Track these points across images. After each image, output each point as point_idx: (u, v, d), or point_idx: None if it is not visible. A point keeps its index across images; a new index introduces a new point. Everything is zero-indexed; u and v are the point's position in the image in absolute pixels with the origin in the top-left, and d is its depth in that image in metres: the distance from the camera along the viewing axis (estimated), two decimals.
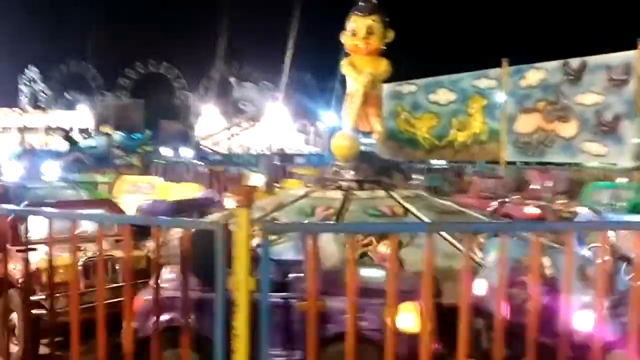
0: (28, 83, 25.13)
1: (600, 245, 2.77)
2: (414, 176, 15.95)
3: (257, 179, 14.75)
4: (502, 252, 2.67)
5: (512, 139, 11.78)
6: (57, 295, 3.95)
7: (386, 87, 12.26)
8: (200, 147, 25.36)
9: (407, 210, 6.03)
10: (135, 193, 10.84)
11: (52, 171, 14.22)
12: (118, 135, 25.38)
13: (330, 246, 4.21)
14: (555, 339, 2.61)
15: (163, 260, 3.66)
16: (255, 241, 2.91)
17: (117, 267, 4.68)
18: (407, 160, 15.14)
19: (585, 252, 4.27)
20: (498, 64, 11.88)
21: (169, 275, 3.88)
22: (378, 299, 2.93)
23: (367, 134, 7.90)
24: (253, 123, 27.58)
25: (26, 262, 3.62)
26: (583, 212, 7.74)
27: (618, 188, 9.42)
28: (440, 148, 12.80)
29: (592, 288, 2.87)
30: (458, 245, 4.63)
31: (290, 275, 3.61)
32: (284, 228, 3.84)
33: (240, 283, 2.84)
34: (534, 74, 11.41)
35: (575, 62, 10.87)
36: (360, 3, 7.00)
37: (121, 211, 6.74)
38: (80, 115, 32.35)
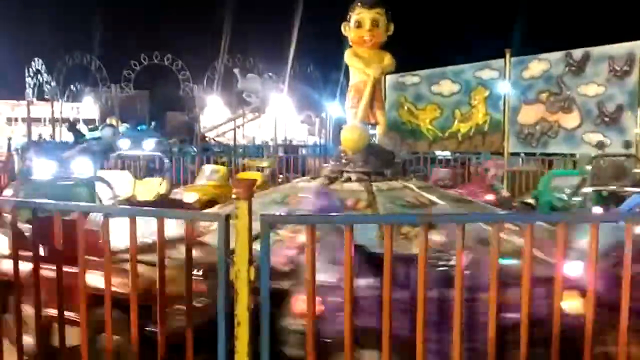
0: (33, 75, 25.25)
1: None
2: (417, 167, 16.00)
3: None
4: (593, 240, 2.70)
5: (515, 129, 11.84)
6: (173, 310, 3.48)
7: (389, 79, 12.32)
8: (206, 138, 25.44)
9: (430, 200, 6.08)
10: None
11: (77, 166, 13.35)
12: (123, 127, 25.49)
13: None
14: None
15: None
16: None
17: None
18: (411, 152, 15.20)
19: None
20: (501, 55, 11.91)
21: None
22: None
23: (372, 126, 7.97)
24: (258, 114, 27.58)
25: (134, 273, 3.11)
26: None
27: (578, 176, 9.34)
28: (443, 139, 12.87)
29: None
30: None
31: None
32: (284, 220, 3.92)
33: (241, 272, 2.94)
34: (537, 65, 11.45)
35: (578, 53, 10.90)
36: None
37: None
38: (86, 107, 32.47)
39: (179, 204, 8.71)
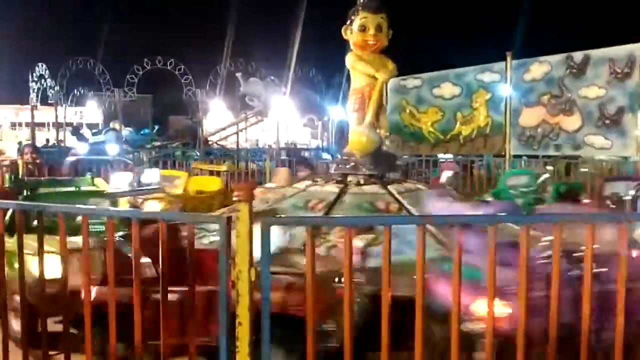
0: (37, 80, 25.41)
1: None
2: (419, 170, 16.05)
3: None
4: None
5: (517, 132, 11.85)
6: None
7: (391, 82, 12.33)
8: (209, 142, 25.52)
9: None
10: None
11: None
12: (127, 131, 25.62)
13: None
14: None
15: None
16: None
17: None
18: (415, 154, 15.24)
19: None
20: (502, 58, 11.94)
21: None
22: None
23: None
24: (260, 118, 27.67)
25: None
26: None
27: (532, 175, 9.94)
28: (445, 142, 12.89)
29: None
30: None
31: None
32: (283, 221, 3.98)
33: (242, 274, 2.99)
34: (538, 68, 11.46)
35: (578, 55, 10.91)
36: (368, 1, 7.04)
37: None
38: (89, 112, 32.63)
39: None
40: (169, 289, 3.15)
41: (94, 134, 27.07)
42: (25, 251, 3.54)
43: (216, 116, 30.03)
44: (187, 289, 3.13)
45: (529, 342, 2.88)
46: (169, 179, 10.52)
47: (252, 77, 25.40)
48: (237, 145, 24.28)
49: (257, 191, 10.23)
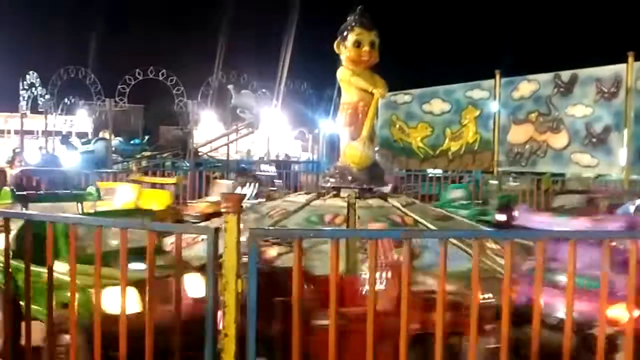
0: (28, 88, 25.34)
1: None
2: (409, 184, 16.12)
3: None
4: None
5: (505, 149, 12.00)
6: None
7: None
8: (199, 153, 25.49)
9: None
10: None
11: None
12: (117, 141, 25.52)
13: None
14: None
15: None
16: None
17: None
18: (403, 169, 15.34)
19: None
20: (491, 76, 12.12)
21: None
22: None
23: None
24: (252, 130, 27.71)
25: None
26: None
27: (466, 188, 12.08)
28: (434, 157, 13.02)
29: None
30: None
31: None
32: (272, 233, 4.00)
33: (229, 285, 3.00)
34: (526, 86, 11.66)
35: (566, 74, 11.11)
36: (358, 16, 7.14)
37: None
38: (79, 121, 32.48)
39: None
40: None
41: (83, 143, 26.93)
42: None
43: (207, 127, 30.03)
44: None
45: None
46: (110, 192, 9.82)
47: (243, 89, 25.50)
48: (227, 157, 24.27)
49: (202, 205, 9.97)
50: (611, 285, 3.02)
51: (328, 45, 7.54)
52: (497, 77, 12.01)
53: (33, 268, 3.43)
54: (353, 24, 6.96)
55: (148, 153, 25.30)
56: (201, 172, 15.48)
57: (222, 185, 11.42)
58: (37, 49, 31.84)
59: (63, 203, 8.48)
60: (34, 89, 24.99)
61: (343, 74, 6.99)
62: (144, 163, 20.12)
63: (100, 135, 26.04)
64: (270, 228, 4.77)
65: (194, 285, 4.16)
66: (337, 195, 6.68)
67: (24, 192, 8.76)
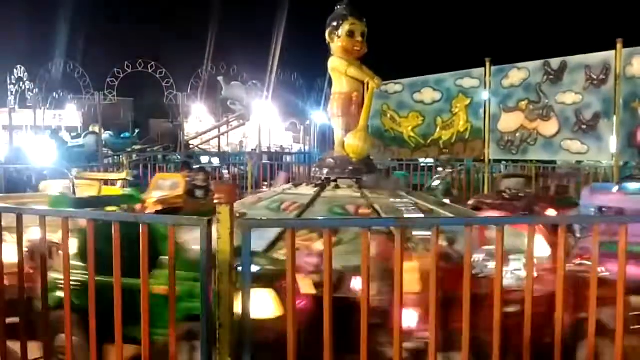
0: (16, 82, 25.11)
1: None
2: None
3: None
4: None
5: (496, 137, 12.04)
6: None
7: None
8: (190, 146, 25.42)
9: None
10: None
11: None
12: (107, 135, 25.38)
13: None
14: None
15: None
16: None
17: None
18: (396, 159, 15.37)
19: None
20: (481, 64, 12.13)
21: None
22: None
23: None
24: (242, 122, 27.66)
25: None
26: None
27: (406, 175, 13.24)
28: (425, 146, 13.04)
29: None
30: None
31: None
32: (264, 224, 4.00)
33: (224, 276, 3.01)
34: (516, 74, 11.68)
35: (555, 62, 11.14)
36: (349, 5, 7.14)
37: None
38: (69, 115, 32.24)
39: None
40: None
41: (73, 138, 26.76)
42: None
43: (197, 120, 29.92)
44: None
45: None
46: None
47: (233, 81, 25.41)
48: (219, 149, 24.22)
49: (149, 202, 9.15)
50: None
51: (318, 36, 7.52)
52: (487, 65, 12.02)
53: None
54: (346, 13, 6.95)
55: (138, 147, 25.21)
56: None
57: (165, 182, 10.11)
58: (25, 44, 31.50)
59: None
60: (22, 83, 24.75)
61: (338, 64, 6.95)
62: (134, 157, 20.04)
63: (90, 129, 25.89)
64: (263, 218, 4.78)
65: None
66: (338, 187, 6.69)
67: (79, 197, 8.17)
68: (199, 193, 9.61)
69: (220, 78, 24.74)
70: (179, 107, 24.12)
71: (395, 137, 13.23)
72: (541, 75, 11.29)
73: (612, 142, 10.44)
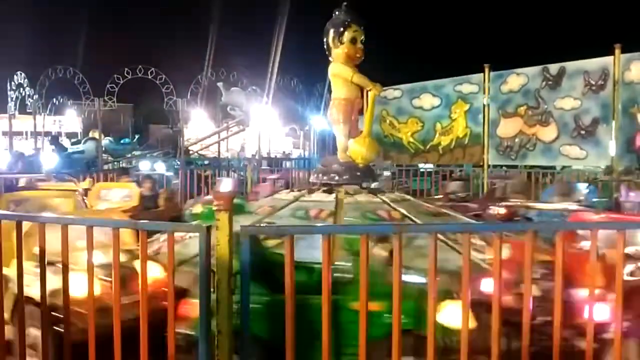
0: (16, 88, 25.14)
1: None
2: (400, 180, 16.18)
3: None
4: None
5: (495, 142, 12.05)
6: None
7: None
8: (190, 151, 25.43)
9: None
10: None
11: None
12: (107, 141, 25.41)
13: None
14: None
15: None
16: None
17: None
18: (395, 164, 15.38)
19: None
20: (480, 70, 12.15)
21: None
22: None
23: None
24: (242, 127, 27.69)
25: None
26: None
27: None
28: (424, 152, 13.04)
29: None
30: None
31: None
32: (264, 230, 4.00)
33: (222, 282, 3.02)
34: (515, 79, 11.70)
35: (554, 67, 11.16)
36: (350, 12, 7.24)
37: None
38: (68, 121, 32.28)
39: None
40: None
41: (73, 144, 26.78)
42: None
43: (197, 125, 29.93)
44: None
45: None
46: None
47: (233, 86, 25.42)
48: (218, 155, 24.23)
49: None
50: None
51: (317, 41, 7.55)
52: (486, 71, 12.05)
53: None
54: (348, 20, 7.07)
55: (138, 152, 25.22)
56: (192, 171, 15.43)
57: (110, 192, 9.06)
58: (25, 50, 31.58)
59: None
60: (22, 89, 24.78)
61: (342, 71, 7.07)
62: (134, 162, 20.05)
63: (90, 135, 25.91)
64: (262, 225, 4.78)
65: None
66: (350, 192, 6.72)
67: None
68: (147, 203, 9.05)
69: (220, 84, 24.77)
70: (178, 113, 24.13)
71: (395, 143, 13.25)
72: (540, 80, 11.32)
73: (611, 147, 10.45)
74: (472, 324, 3.52)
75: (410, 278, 3.44)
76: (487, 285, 3.39)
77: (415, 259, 3.89)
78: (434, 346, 2.87)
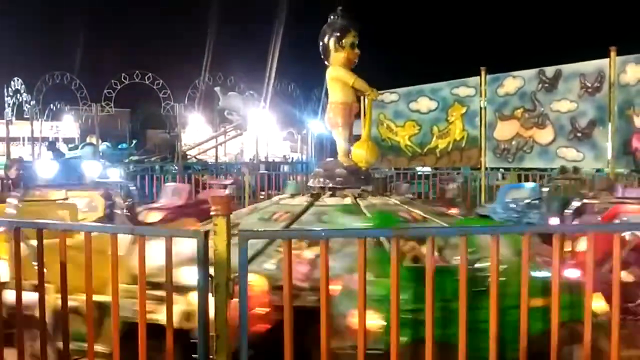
0: (12, 94, 25.14)
1: None
2: (398, 183, 16.21)
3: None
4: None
5: (492, 145, 12.10)
6: None
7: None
8: (187, 156, 25.43)
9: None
10: None
11: None
12: (104, 146, 25.40)
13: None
14: None
15: None
16: None
17: None
18: (393, 168, 15.42)
19: None
20: (477, 73, 12.20)
21: None
22: None
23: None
24: (240, 132, 27.70)
25: None
26: None
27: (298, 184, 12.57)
28: (422, 155, 13.09)
29: None
30: None
31: None
32: (262, 235, 4.01)
33: (220, 287, 3.02)
34: (512, 82, 11.76)
35: (550, 70, 11.22)
36: (346, 16, 7.32)
37: None
38: (66, 126, 32.26)
39: None
40: None
41: (70, 149, 26.76)
42: None
43: (195, 130, 29.94)
44: None
45: None
46: None
47: (230, 91, 25.42)
48: (216, 159, 24.23)
49: None
50: None
51: (314, 45, 7.58)
52: (483, 74, 12.10)
53: None
54: (348, 25, 7.18)
55: (136, 157, 25.21)
56: (190, 176, 15.44)
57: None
58: (22, 56, 31.61)
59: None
60: (19, 95, 24.74)
61: (344, 75, 7.16)
62: (131, 168, 20.04)
63: (87, 140, 25.90)
64: (260, 230, 4.79)
65: None
66: (360, 196, 6.79)
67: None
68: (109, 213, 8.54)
69: (217, 88, 24.77)
70: (176, 118, 24.11)
71: (392, 146, 13.29)
72: (536, 83, 11.37)
73: (608, 150, 10.50)
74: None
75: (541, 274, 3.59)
76: None
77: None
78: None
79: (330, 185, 6.98)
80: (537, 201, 9.76)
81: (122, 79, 23.03)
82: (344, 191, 6.81)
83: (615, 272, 2.95)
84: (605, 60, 10.33)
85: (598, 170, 12.95)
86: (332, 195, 6.73)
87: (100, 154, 22.05)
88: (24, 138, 29.72)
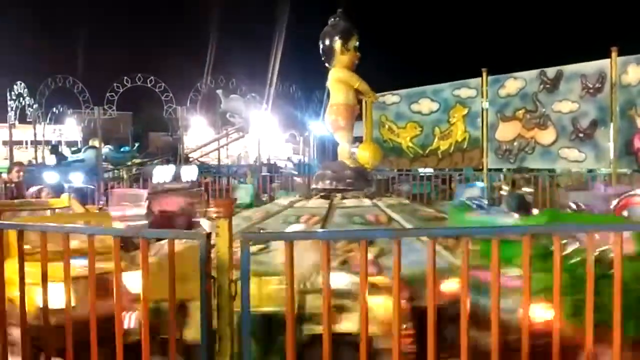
0: (16, 98, 25.23)
1: None
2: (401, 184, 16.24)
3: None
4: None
5: (494, 146, 12.08)
6: None
7: None
8: (190, 159, 25.49)
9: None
10: None
11: None
12: (106, 149, 25.46)
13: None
14: None
15: None
16: None
17: None
18: (394, 169, 15.42)
19: None
20: (478, 74, 12.20)
21: None
22: None
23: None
24: (242, 134, 27.75)
25: None
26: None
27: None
28: (424, 156, 13.08)
29: None
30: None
31: None
32: (263, 237, 4.03)
33: (223, 289, 3.05)
34: (513, 83, 11.73)
35: (551, 71, 11.19)
36: (348, 20, 7.44)
37: None
38: (68, 129, 32.36)
39: None
40: None
41: (73, 152, 26.84)
42: None
43: (197, 133, 30.01)
44: None
45: None
46: None
47: (232, 94, 25.50)
48: (219, 162, 24.28)
49: None
50: None
51: (315, 48, 7.63)
52: (484, 75, 12.08)
53: None
54: (351, 28, 7.33)
55: (138, 160, 25.27)
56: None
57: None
58: (24, 59, 31.72)
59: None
60: (21, 99, 24.86)
61: (348, 77, 7.32)
62: (134, 170, 20.10)
63: (90, 143, 25.98)
64: (262, 232, 4.81)
65: None
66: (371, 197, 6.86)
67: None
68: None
69: (219, 91, 24.87)
70: (178, 121, 24.21)
71: (394, 148, 13.28)
72: (537, 84, 11.35)
73: (610, 150, 10.48)
74: None
75: None
76: None
77: None
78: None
79: (340, 187, 7.07)
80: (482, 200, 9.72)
81: (125, 82, 23.15)
82: (352, 192, 6.90)
83: (616, 272, 2.96)
84: (607, 61, 10.30)
85: (590, 171, 12.94)
86: (343, 198, 6.81)
87: (103, 157, 22.07)
88: (27, 142, 29.81)
